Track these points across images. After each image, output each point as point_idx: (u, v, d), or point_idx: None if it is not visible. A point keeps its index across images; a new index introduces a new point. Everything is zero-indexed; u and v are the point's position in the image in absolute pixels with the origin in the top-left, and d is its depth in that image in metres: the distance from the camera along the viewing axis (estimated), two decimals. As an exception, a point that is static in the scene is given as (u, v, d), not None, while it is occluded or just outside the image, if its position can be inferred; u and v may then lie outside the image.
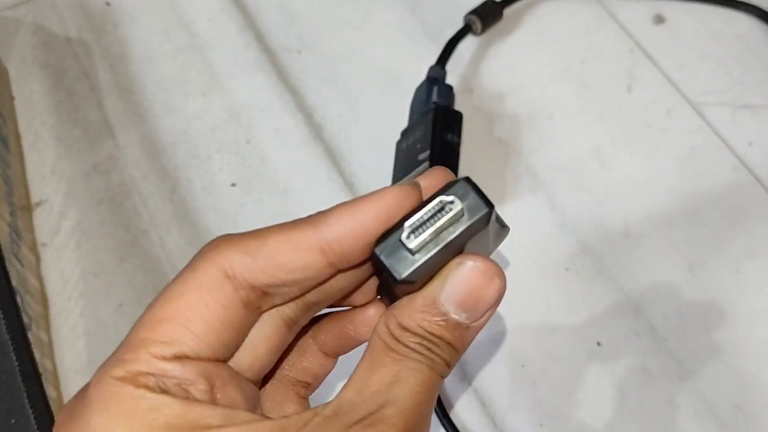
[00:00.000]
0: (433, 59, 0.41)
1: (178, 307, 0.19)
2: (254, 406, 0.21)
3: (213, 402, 0.19)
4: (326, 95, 0.43)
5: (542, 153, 0.40)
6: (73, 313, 0.37)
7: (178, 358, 0.19)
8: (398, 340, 0.19)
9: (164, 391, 0.18)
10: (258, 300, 0.20)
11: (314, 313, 0.22)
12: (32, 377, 0.31)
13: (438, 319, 0.19)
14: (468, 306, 0.20)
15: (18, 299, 0.34)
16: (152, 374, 0.18)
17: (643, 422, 0.34)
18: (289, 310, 0.21)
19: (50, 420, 0.31)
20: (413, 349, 0.19)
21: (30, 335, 0.34)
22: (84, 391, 0.19)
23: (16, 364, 0.30)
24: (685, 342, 0.35)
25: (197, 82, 0.43)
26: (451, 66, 0.41)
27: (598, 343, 0.35)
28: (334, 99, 0.43)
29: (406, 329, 0.19)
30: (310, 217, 0.20)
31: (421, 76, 0.41)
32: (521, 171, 0.40)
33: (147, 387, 0.18)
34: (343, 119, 0.42)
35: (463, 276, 0.20)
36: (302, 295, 0.21)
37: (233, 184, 0.40)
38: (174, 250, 0.39)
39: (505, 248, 0.38)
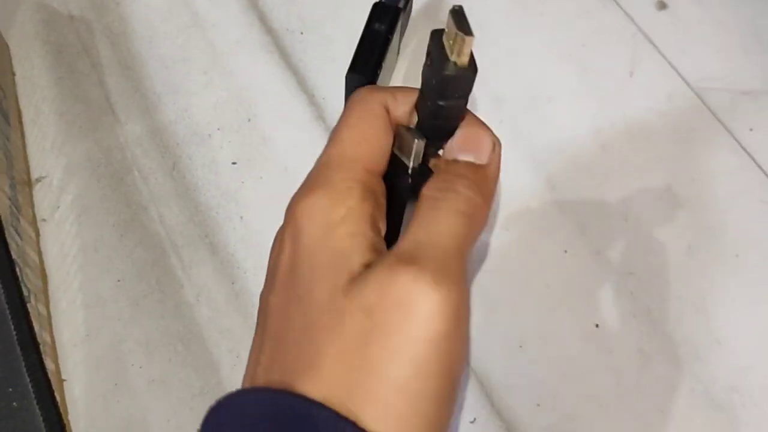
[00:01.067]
0: (435, 41, 0.41)
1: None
2: None
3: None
4: (328, 76, 0.43)
5: (542, 135, 0.40)
6: (72, 287, 0.37)
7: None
8: (435, 196, 0.25)
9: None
10: None
11: None
12: (30, 347, 0.31)
13: (453, 165, 0.26)
14: (470, 148, 0.26)
15: (17, 271, 0.34)
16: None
17: (639, 403, 0.34)
18: None
19: (48, 390, 0.31)
20: (444, 197, 0.25)
21: (29, 308, 0.34)
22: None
23: (14, 333, 0.30)
24: (682, 324, 0.35)
25: (199, 61, 0.43)
26: (453, 48, 0.41)
27: (596, 325, 0.35)
28: (336, 80, 0.43)
29: (438, 187, 0.25)
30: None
31: (423, 57, 0.40)
32: (522, 153, 0.40)
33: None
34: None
35: (461, 131, 0.27)
36: None
37: (234, 162, 0.40)
38: (174, 226, 0.39)
39: (505, 230, 0.38)
